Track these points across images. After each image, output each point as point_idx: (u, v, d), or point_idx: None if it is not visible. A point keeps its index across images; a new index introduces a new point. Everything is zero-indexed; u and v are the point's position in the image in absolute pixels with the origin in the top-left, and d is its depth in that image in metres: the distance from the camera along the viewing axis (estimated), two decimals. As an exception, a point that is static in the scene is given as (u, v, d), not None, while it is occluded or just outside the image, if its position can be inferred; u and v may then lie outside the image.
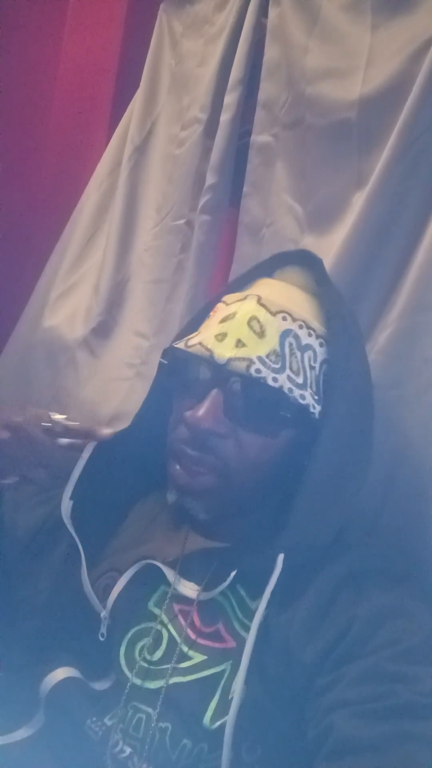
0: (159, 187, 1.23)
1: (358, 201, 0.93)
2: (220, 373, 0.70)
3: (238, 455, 0.70)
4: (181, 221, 1.18)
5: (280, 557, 0.68)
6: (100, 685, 0.74)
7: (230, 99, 1.09)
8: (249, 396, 0.70)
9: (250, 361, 0.69)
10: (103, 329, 1.26)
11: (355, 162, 0.96)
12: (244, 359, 0.69)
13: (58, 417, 0.71)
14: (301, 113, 1.02)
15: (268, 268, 0.82)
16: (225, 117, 1.10)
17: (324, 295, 0.77)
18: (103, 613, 0.74)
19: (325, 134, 0.99)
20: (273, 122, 1.07)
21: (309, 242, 1.02)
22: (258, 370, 0.69)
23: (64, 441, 0.71)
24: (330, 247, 0.96)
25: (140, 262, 1.23)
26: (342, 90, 0.96)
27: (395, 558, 0.76)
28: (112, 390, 1.20)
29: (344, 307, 0.79)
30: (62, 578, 0.79)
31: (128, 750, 0.69)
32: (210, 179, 1.11)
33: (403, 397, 0.87)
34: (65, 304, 1.32)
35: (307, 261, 0.80)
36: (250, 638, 0.66)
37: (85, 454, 0.75)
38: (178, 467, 0.72)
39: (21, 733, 0.74)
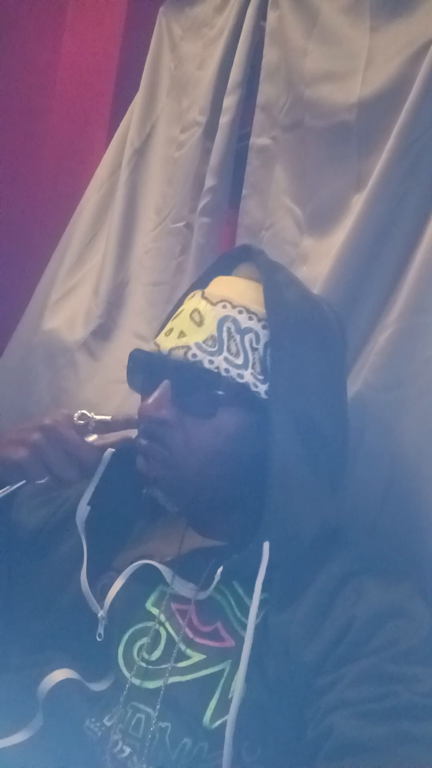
0: (159, 189, 1.23)
1: (358, 203, 0.94)
2: (165, 363, 0.73)
3: (185, 444, 0.72)
4: (181, 223, 1.18)
5: (266, 545, 0.68)
6: (99, 686, 0.74)
7: (229, 101, 1.10)
8: (189, 380, 0.72)
9: (188, 348, 0.72)
10: (103, 331, 1.26)
11: (354, 164, 0.97)
12: (182, 347, 0.72)
13: (90, 414, 0.73)
14: (300, 115, 1.03)
15: (225, 266, 0.85)
16: (224, 119, 1.10)
17: (264, 281, 0.78)
18: (101, 613, 0.74)
19: (325, 136, 1.00)
20: (272, 124, 1.07)
21: (308, 244, 1.03)
22: (194, 355, 0.71)
23: (92, 438, 0.73)
24: (329, 248, 0.96)
25: (140, 264, 1.24)
26: (341, 92, 0.96)
27: (395, 558, 0.76)
28: (111, 392, 1.20)
29: (290, 292, 0.79)
30: (62, 579, 0.79)
31: (128, 750, 0.69)
32: (209, 181, 1.11)
33: (404, 398, 0.87)
34: (65, 306, 1.32)
35: (249, 254, 0.82)
36: (248, 635, 0.66)
37: (105, 461, 0.76)
38: (138, 458, 0.74)
39: (20, 736, 0.74)
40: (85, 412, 0.73)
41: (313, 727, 0.62)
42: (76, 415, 0.73)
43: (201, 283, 0.84)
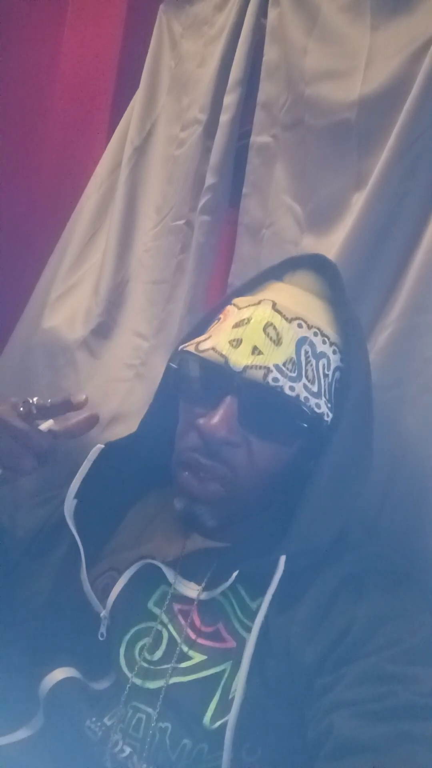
0: (159, 187, 1.23)
1: (358, 201, 0.94)
2: (236, 380, 0.69)
3: (249, 464, 0.70)
4: (181, 222, 1.18)
5: (282, 559, 0.67)
6: (100, 685, 0.74)
7: (230, 100, 1.09)
8: (266, 405, 0.69)
9: (267, 370, 0.68)
10: (103, 330, 1.26)
11: (354, 162, 0.96)
12: (261, 367, 0.68)
13: (32, 400, 0.69)
14: (300, 114, 1.02)
15: (279, 271, 0.81)
16: (224, 118, 1.10)
17: (338, 302, 0.76)
18: (103, 613, 0.74)
19: (325, 135, 0.99)
20: (272, 123, 1.07)
21: (308, 243, 1.02)
22: (275, 379, 0.68)
23: (43, 425, 0.69)
24: (329, 247, 0.96)
25: (140, 262, 1.23)
26: (341, 91, 0.96)
27: (395, 559, 0.76)
28: (111, 391, 1.20)
29: (354, 313, 0.78)
30: (62, 578, 0.78)
31: (128, 750, 0.69)
32: (210, 180, 1.11)
33: (404, 397, 0.87)
34: (65, 304, 1.32)
35: (320, 266, 0.79)
36: (252, 638, 0.66)
37: (92, 456, 0.75)
38: (187, 474, 0.71)
39: (20, 734, 0.74)
40: (28, 399, 0.69)
41: (313, 727, 0.62)
42: (20, 402, 0.68)
43: (251, 286, 0.81)
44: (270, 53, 1.07)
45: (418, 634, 0.65)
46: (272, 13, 1.07)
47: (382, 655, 0.63)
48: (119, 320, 1.25)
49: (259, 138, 1.09)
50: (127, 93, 1.30)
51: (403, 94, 0.87)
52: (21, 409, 0.68)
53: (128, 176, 1.25)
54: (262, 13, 1.08)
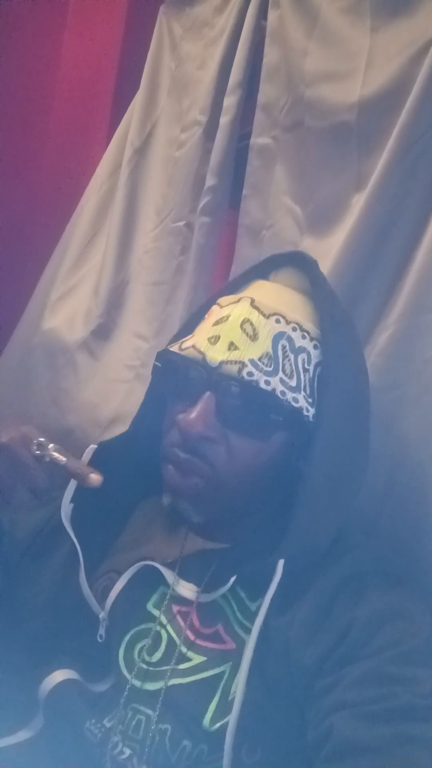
0: (159, 189, 1.23)
1: (358, 203, 0.94)
2: (212, 376, 0.70)
3: (229, 460, 0.70)
4: (181, 223, 1.18)
5: (281, 563, 0.67)
6: (99, 687, 0.74)
7: (230, 101, 1.09)
8: (241, 399, 0.69)
9: (242, 364, 0.69)
10: (103, 331, 1.26)
11: (354, 164, 0.97)
12: (236, 362, 0.69)
13: (49, 446, 0.68)
14: (300, 116, 1.03)
15: (264, 270, 0.82)
16: (225, 119, 1.10)
17: (318, 297, 0.77)
18: (102, 615, 0.74)
19: (325, 136, 0.99)
20: (273, 125, 1.07)
21: (308, 244, 1.02)
22: (250, 373, 0.69)
23: (55, 453, 0.68)
24: (329, 248, 0.96)
25: (140, 264, 1.23)
26: (341, 92, 0.96)
27: (395, 559, 0.76)
28: (111, 392, 1.20)
29: (338, 308, 0.78)
30: (62, 580, 0.79)
31: (128, 752, 0.69)
32: (210, 181, 1.11)
33: (404, 398, 0.87)
34: (65, 305, 1.32)
35: (301, 262, 0.80)
36: (252, 640, 0.66)
37: (85, 457, 0.75)
38: (170, 468, 0.72)
39: (20, 736, 0.74)
40: (43, 441, 0.67)
41: (313, 728, 0.62)
42: (36, 440, 0.67)
43: (236, 285, 0.81)
44: (270, 55, 1.07)
45: (418, 635, 0.65)
46: (272, 15, 1.07)
47: (382, 657, 0.63)
48: (119, 321, 1.25)
49: (259, 139, 1.09)
50: (128, 94, 1.30)
51: (403, 96, 0.88)
52: (35, 449, 0.67)
53: (128, 178, 1.26)
54: (262, 15, 1.09)
